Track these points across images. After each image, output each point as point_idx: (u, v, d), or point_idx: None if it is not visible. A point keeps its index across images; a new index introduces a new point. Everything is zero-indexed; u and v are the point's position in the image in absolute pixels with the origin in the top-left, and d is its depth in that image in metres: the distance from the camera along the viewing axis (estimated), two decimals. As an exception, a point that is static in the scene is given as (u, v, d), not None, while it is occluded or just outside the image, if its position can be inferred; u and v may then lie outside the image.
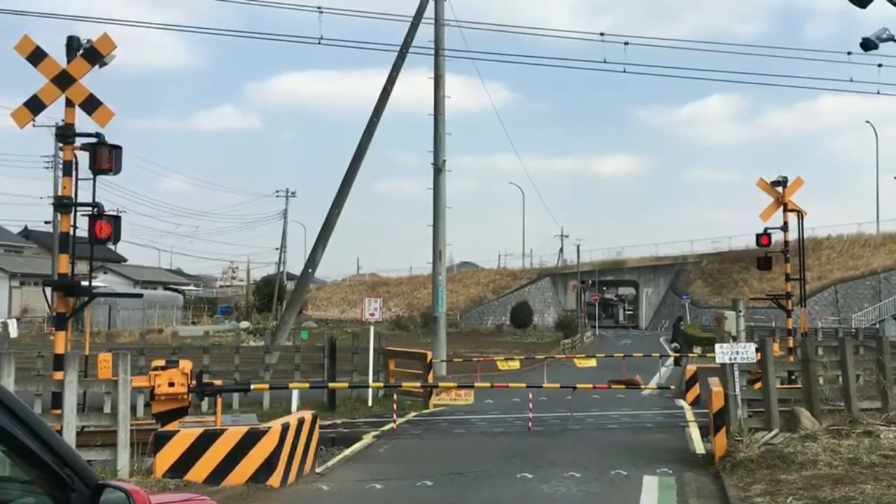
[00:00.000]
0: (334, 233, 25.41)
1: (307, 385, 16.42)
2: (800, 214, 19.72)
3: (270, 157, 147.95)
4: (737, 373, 11.25)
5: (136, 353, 19.18)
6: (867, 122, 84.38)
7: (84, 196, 11.03)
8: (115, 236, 11.07)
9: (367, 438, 13.93)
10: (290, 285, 60.99)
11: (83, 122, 10.85)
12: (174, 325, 50.63)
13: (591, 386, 17.39)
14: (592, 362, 22.58)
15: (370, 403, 19.38)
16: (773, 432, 10.93)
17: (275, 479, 9.60)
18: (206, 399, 13.62)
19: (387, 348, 22.17)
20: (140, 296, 41.75)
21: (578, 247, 70.54)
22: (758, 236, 19.81)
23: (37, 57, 10.63)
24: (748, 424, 11.11)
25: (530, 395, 15.33)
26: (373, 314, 20.23)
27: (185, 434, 9.54)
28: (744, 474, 9.61)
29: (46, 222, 53.89)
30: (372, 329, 20.03)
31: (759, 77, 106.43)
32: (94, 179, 11.00)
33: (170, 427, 9.92)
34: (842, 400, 11.92)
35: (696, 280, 70.14)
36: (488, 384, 18.25)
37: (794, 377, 16.09)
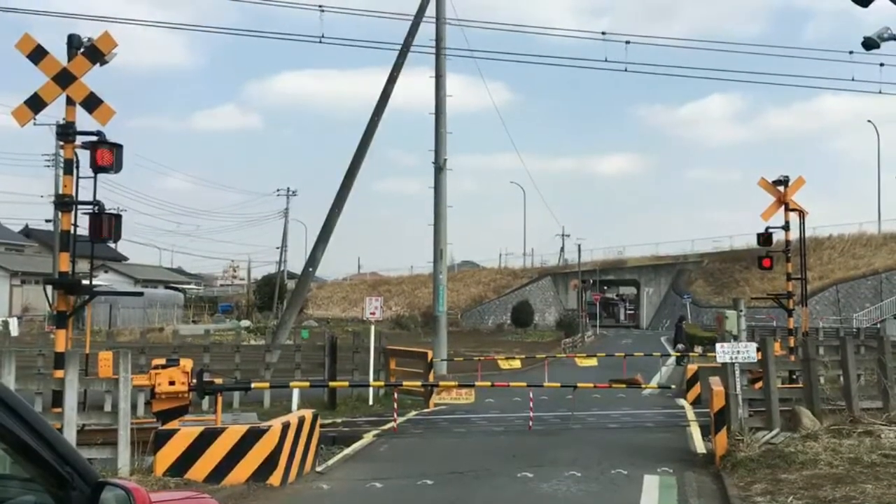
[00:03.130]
0: (335, 232, 25.40)
1: (308, 384, 16.43)
2: (801, 214, 19.71)
3: (271, 156, 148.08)
4: (738, 372, 11.24)
5: (137, 351, 19.20)
6: (869, 121, 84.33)
7: (85, 194, 11.06)
8: (116, 235, 11.08)
9: (368, 437, 13.93)
10: (290, 284, 60.96)
11: (84, 121, 10.87)
12: (175, 324, 50.61)
13: (591, 385, 17.39)
14: (593, 361, 22.59)
15: (371, 402, 19.38)
16: (773, 432, 10.93)
17: (275, 478, 9.60)
18: (207, 398, 13.61)
19: (388, 347, 22.17)
20: (141, 294, 41.70)
21: (579, 246, 70.50)
22: (759, 236, 19.80)
23: (38, 55, 10.65)
24: (749, 424, 11.11)
25: (531, 395, 15.34)
26: (374, 313, 20.22)
27: (185, 433, 9.54)
28: (744, 474, 9.60)
29: (47, 221, 53.88)
30: (373, 328, 20.03)
31: (761, 76, 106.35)
32: (95, 178, 11.02)
33: (170, 425, 9.92)
34: (843, 399, 11.92)
35: (698, 279, 70.08)
36: (489, 383, 18.26)
37: (795, 377, 16.08)
